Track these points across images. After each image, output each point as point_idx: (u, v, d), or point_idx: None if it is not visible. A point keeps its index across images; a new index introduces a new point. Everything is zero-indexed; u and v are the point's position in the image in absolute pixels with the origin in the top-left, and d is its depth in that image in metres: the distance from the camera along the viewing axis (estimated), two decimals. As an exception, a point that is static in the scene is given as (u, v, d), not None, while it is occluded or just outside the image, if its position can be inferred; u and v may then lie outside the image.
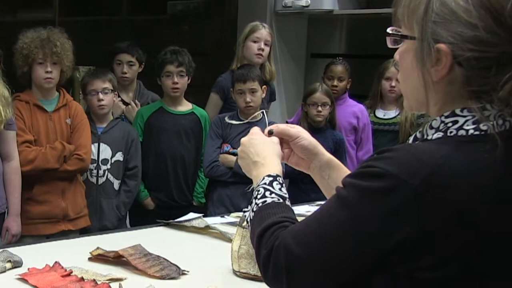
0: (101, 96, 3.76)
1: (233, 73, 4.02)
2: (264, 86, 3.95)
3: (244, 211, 1.43)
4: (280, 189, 1.39)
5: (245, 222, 2.25)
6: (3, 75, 3.24)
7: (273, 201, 1.36)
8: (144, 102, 4.28)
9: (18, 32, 3.57)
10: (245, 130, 3.87)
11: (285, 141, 1.60)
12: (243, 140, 1.58)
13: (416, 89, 1.23)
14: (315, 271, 1.19)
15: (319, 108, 4.15)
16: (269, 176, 1.42)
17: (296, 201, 1.41)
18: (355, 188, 1.16)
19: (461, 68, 1.17)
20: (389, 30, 1.28)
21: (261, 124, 3.81)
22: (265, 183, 1.40)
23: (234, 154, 3.87)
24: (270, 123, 1.68)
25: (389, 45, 1.30)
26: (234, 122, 3.71)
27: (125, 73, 4.15)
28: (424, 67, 1.19)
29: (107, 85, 3.79)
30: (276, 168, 1.46)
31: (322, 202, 1.30)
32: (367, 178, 1.15)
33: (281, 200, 1.37)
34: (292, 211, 1.35)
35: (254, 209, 1.37)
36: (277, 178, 1.42)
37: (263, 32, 4.27)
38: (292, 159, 1.64)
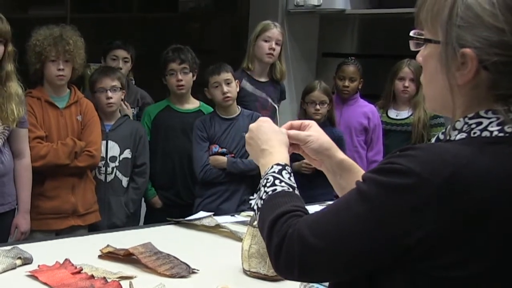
0: (109, 94, 3.77)
1: (213, 69, 3.95)
2: (237, 80, 3.94)
3: (251, 199, 1.43)
4: (289, 178, 1.39)
5: (253, 220, 2.24)
6: (17, 72, 3.25)
7: (283, 190, 1.36)
8: (134, 100, 4.27)
9: (30, 29, 3.57)
10: (228, 127, 3.89)
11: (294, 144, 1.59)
12: (251, 126, 1.57)
13: (441, 93, 1.22)
14: (329, 263, 1.19)
15: (317, 107, 4.15)
16: (278, 164, 1.42)
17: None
18: (376, 183, 1.16)
19: (487, 72, 1.16)
20: (412, 33, 1.27)
21: (242, 117, 3.84)
22: (274, 172, 1.40)
23: (223, 154, 3.87)
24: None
25: (412, 48, 1.28)
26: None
27: (121, 68, 4.17)
28: (449, 71, 1.18)
29: (116, 83, 3.79)
30: (284, 157, 1.46)
31: (331, 203, 1.29)
32: (389, 174, 1.14)
33: (291, 190, 1.36)
34: (302, 201, 1.35)
35: (263, 197, 1.36)
36: (286, 167, 1.41)
37: (275, 31, 4.25)
38: (305, 156, 1.63)
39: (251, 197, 1.43)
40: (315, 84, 4.23)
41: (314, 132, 1.60)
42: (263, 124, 1.55)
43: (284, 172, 1.40)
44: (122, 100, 4.07)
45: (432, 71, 1.23)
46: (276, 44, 4.23)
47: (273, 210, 1.30)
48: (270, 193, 1.35)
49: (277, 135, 1.53)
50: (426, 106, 1.34)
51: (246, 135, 1.58)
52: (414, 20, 1.27)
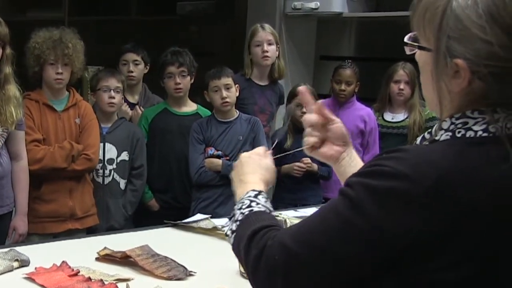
0: (113, 93, 3.78)
1: (213, 72, 3.94)
2: (237, 85, 3.95)
3: (223, 226, 1.41)
4: (265, 202, 1.38)
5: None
6: (14, 75, 3.25)
7: (260, 210, 1.34)
8: (150, 106, 4.27)
9: (27, 31, 3.57)
10: (225, 131, 3.89)
11: (318, 129, 1.57)
12: (242, 155, 1.57)
13: (433, 96, 1.23)
14: (317, 271, 1.16)
15: (304, 109, 4.15)
16: (253, 190, 1.41)
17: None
18: (364, 187, 1.14)
19: (480, 82, 1.16)
20: (406, 38, 1.27)
21: (240, 120, 3.86)
22: (250, 196, 1.39)
23: (219, 157, 3.88)
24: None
25: (407, 52, 1.29)
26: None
27: (132, 72, 4.17)
28: (440, 79, 1.19)
29: (120, 84, 3.81)
30: (260, 186, 1.45)
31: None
32: (378, 177, 1.14)
33: (268, 211, 1.35)
34: (280, 223, 1.33)
35: (239, 218, 1.34)
36: (262, 193, 1.40)
37: (262, 34, 4.23)
38: (324, 148, 1.58)
39: (224, 224, 1.42)
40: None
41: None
42: (254, 156, 1.55)
43: (260, 196, 1.38)
44: (136, 108, 4.11)
45: (427, 75, 1.24)
46: (269, 44, 4.20)
47: (250, 226, 1.28)
48: (247, 213, 1.34)
49: (258, 171, 1.51)
50: (426, 103, 1.35)
51: (236, 162, 1.57)
52: (410, 23, 1.28)
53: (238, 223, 1.33)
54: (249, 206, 1.35)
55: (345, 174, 1.57)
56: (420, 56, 1.26)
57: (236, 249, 1.32)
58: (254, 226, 1.27)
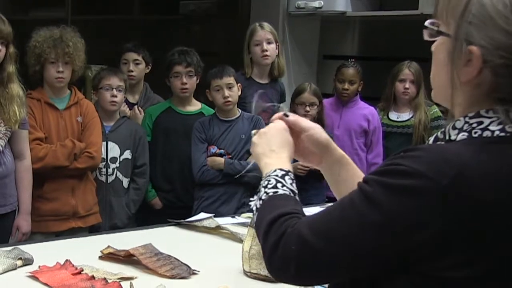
0: (115, 92, 3.78)
1: (212, 72, 3.94)
2: (239, 84, 3.94)
3: (251, 200, 1.42)
4: (291, 184, 1.38)
5: (253, 221, 2.24)
6: (17, 74, 3.25)
7: (284, 193, 1.35)
8: (151, 106, 4.27)
9: (30, 30, 3.57)
10: (227, 129, 3.89)
11: (295, 135, 1.56)
12: (271, 125, 1.55)
13: (444, 86, 1.23)
14: (329, 262, 1.17)
15: (307, 108, 4.15)
16: (281, 170, 1.41)
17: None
18: (381, 185, 1.15)
19: (490, 73, 1.16)
20: (427, 22, 1.27)
21: (242, 119, 3.85)
22: (277, 175, 1.39)
23: (221, 155, 3.87)
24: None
25: (425, 38, 1.28)
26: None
27: (132, 71, 4.16)
28: (454, 66, 1.18)
29: (122, 83, 3.82)
30: (288, 165, 1.45)
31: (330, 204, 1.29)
32: (395, 175, 1.14)
33: (292, 195, 1.36)
34: (302, 207, 1.34)
35: (263, 197, 1.35)
36: (289, 173, 1.41)
37: (261, 33, 4.22)
38: (303, 152, 1.61)
39: (251, 199, 1.43)
40: (305, 86, 4.23)
41: (314, 124, 1.60)
42: (281, 129, 1.54)
43: (287, 178, 1.39)
44: (134, 109, 4.11)
45: (440, 63, 1.23)
46: (268, 43, 4.20)
47: (273, 211, 1.29)
48: (270, 194, 1.35)
49: (286, 147, 1.52)
50: (432, 93, 1.33)
51: (255, 137, 1.55)
52: (433, 9, 1.27)
53: (261, 202, 1.35)
54: (275, 186, 1.36)
55: (331, 181, 1.63)
56: (438, 42, 1.25)
57: (256, 228, 1.34)
58: (276, 212, 1.27)
